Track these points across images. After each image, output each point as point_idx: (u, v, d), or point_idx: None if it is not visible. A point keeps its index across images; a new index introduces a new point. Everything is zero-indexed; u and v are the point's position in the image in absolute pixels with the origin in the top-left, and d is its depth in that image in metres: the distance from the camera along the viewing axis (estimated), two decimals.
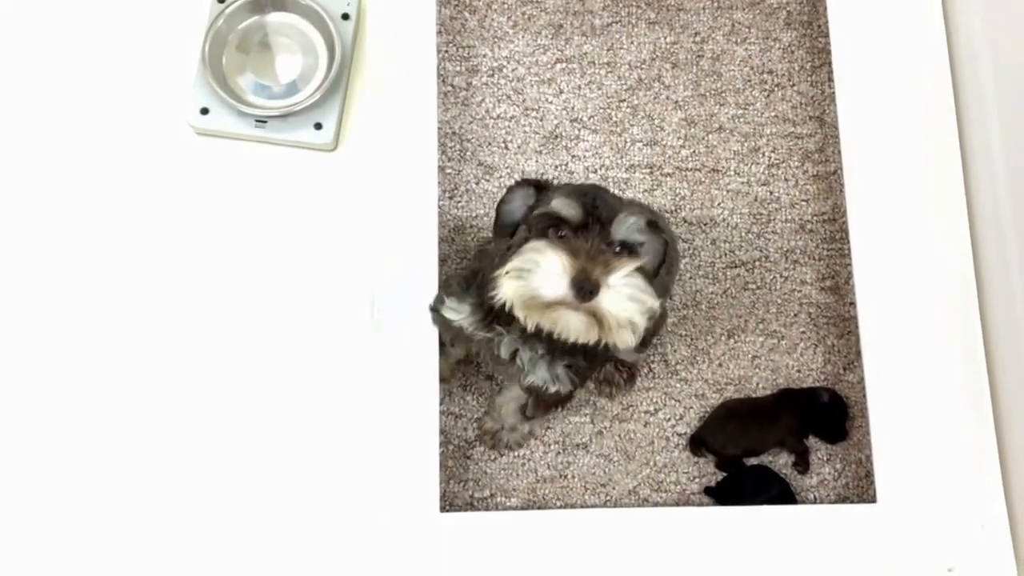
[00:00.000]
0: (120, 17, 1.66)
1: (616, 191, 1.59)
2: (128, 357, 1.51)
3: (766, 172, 1.62)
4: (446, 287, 1.37)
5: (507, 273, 1.10)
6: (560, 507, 1.50)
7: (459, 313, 1.31)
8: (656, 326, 1.46)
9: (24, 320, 1.52)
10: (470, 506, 1.49)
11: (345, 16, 1.63)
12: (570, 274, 1.06)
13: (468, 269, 1.36)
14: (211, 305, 1.53)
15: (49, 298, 1.54)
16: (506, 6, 1.69)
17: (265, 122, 1.59)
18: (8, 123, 1.61)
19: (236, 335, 1.52)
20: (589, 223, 1.11)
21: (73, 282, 1.54)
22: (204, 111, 1.59)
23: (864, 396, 1.45)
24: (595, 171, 1.61)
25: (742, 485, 1.49)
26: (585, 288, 1.06)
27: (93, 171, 1.59)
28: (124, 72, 1.64)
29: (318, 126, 1.59)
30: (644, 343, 1.46)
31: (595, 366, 1.39)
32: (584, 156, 1.62)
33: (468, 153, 1.63)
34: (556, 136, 1.63)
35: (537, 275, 1.08)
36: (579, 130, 1.64)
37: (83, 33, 1.65)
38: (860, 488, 1.50)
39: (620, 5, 1.69)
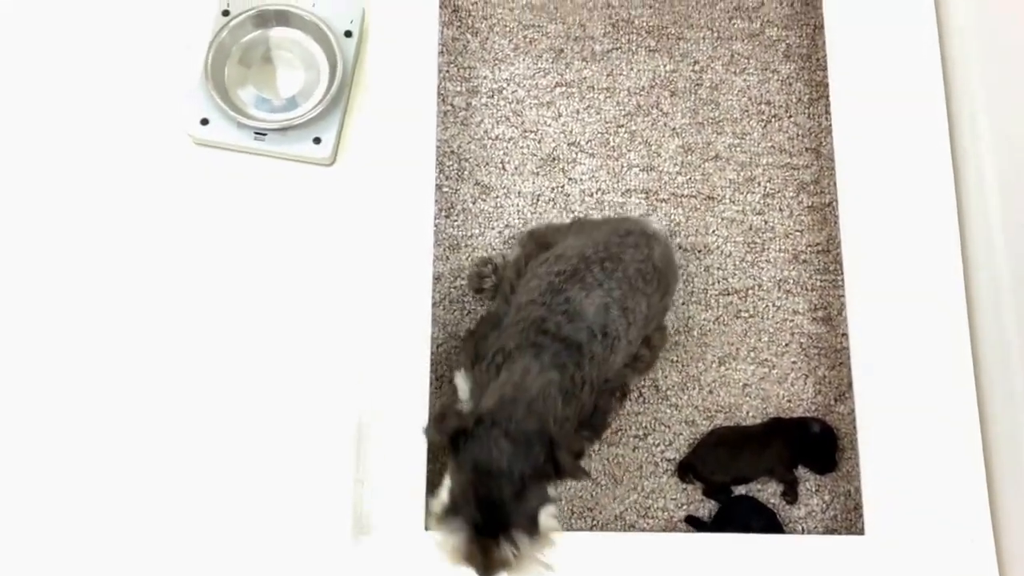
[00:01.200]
0: (125, 27, 1.67)
1: (612, 215, 1.60)
2: (119, 361, 1.51)
3: (761, 201, 1.63)
4: (456, 363, 1.43)
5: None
6: None
7: (463, 392, 1.35)
8: (656, 353, 1.48)
9: (20, 325, 1.52)
10: None
11: (348, 33, 1.65)
12: (474, 565, 1.14)
13: (472, 345, 1.39)
14: (204, 312, 1.54)
15: (42, 302, 1.53)
16: (508, 29, 1.70)
17: (264, 135, 1.60)
18: (9, 130, 1.62)
19: (226, 342, 1.52)
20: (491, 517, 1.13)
21: (64, 285, 1.54)
22: (204, 122, 1.60)
23: (854, 428, 1.45)
24: (591, 194, 1.62)
25: (729, 515, 1.48)
26: (491, 570, 1.13)
27: (92, 177, 1.60)
28: (127, 81, 1.65)
29: (317, 140, 1.59)
30: (647, 367, 1.47)
31: (604, 428, 1.43)
32: (581, 179, 1.63)
33: (466, 172, 1.63)
34: (554, 158, 1.64)
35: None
36: (576, 153, 1.64)
37: (88, 41, 1.66)
38: (848, 520, 1.49)
39: (621, 32, 1.70)
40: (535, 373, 1.23)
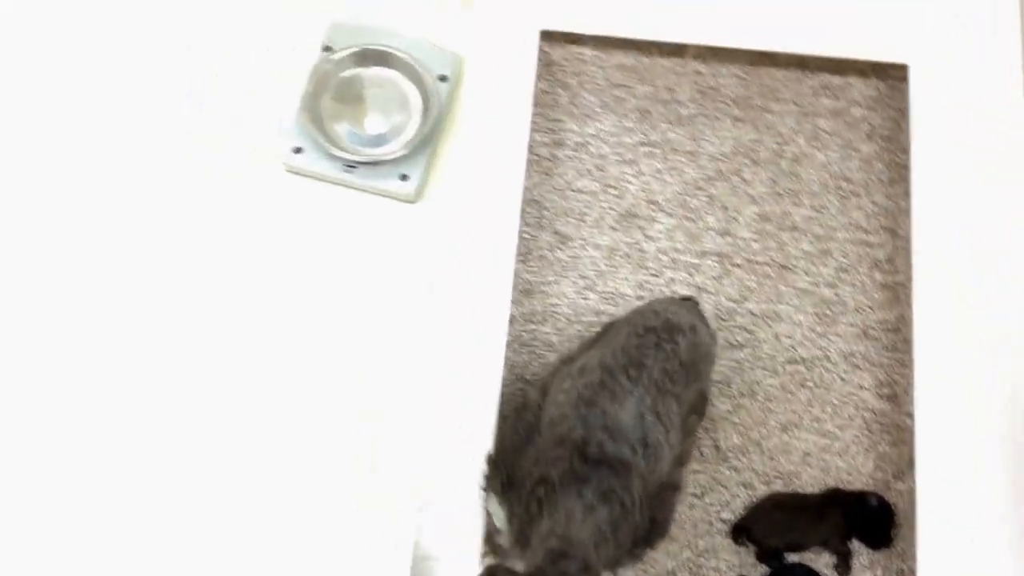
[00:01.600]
0: (227, 55, 1.75)
1: (685, 275, 1.63)
2: (197, 384, 1.55)
3: (834, 275, 1.65)
4: (487, 479, 1.37)
5: None
6: None
7: (498, 519, 1.32)
8: (694, 432, 1.47)
9: (108, 345, 1.57)
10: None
11: (443, 78, 1.70)
12: None
13: (502, 465, 1.36)
14: (281, 335, 1.57)
15: (126, 318, 1.59)
16: (598, 87, 1.75)
17: (354, 167, 1.65)
18: (106, 147, 1.69)
19: (299, 367, 1.55)
20: None
21: (148, 301, 1.60)
22: (298, 150, 1.66)
23: (912, 506, 1.45)
24: (666, 253, 1.65)
25: None
26: None
27: (189, 194, 1.66)
28: (226, 107, 1.71)
29: (404, 177, 1.64)
30: (683, 462, 1.45)
31: (662, 537, 1.36)
32: (657, 237, 1.66)
33: (545, 221, 1.67)
34: (632, 215, 1.67)
35: None
36: (655, 212, 1.68)
37: (190, 68, 1.74)
38: None
39: (707, 99, 1.74)
40: (580, 518, 1.18)
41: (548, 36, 1.72)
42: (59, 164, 1.67)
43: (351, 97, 1.71)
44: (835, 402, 1.58)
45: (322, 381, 1.54)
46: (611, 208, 1.68)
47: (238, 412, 1.53)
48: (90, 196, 1.65)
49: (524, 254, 1.65)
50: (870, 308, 1.63)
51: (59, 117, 1.71)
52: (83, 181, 1.66)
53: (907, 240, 1.62)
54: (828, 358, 1.60)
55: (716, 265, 1.65)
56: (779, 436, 1.56)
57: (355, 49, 1.71)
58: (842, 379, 1.59)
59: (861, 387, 1.59)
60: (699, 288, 1.63)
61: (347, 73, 1.71)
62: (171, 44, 1.75)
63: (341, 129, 1.69)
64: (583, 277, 1.64)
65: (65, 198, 1.65)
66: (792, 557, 1.50)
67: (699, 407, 1.48)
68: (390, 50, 1.71)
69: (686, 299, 1.54)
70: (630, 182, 1.70)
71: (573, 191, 1.69)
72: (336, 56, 1.71)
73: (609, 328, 1.48)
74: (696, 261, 1.65)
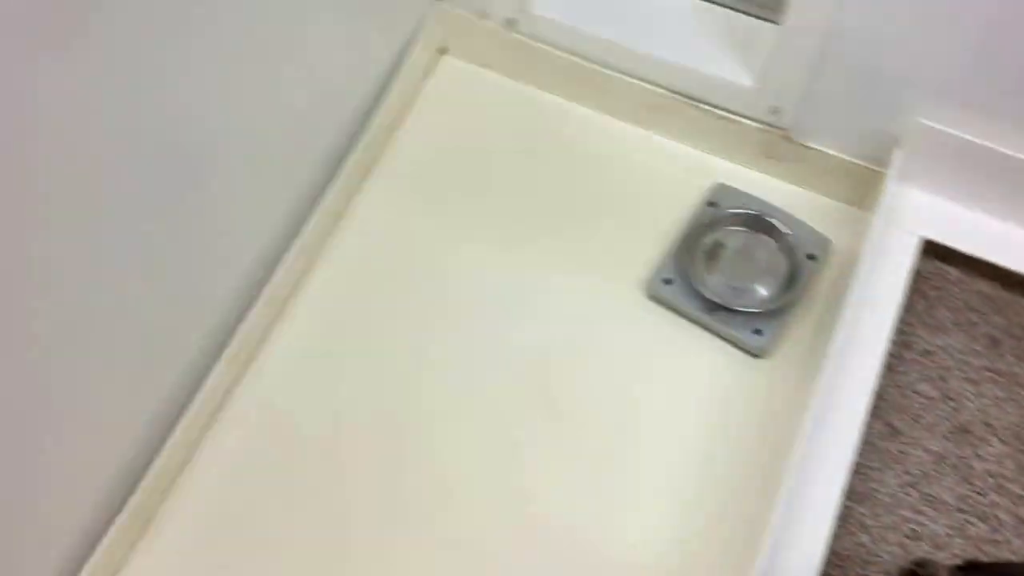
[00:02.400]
0: (624, 184, 1.95)
1: (1009, 503, 1.66)
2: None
3: None
4: None
5: None
6: None
7: None
8: None
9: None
10: None
11: (812, 256, 1.83)
12: None
13: None
14: (591, 435, 1.71)
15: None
16: (954, 305, 1.83)
17: (713, 311, 1.79)
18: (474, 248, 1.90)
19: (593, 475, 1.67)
20: None
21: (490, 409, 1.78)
22: (667, 281, 1.81)
23: None
24: (993, 476, 1.68)
25: None
26: None
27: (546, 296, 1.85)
28: (608, 230, 1.91)
29: (757, 332, 1.76)
30: None
31: None
32: (987, 458, 1.70)
33: (879, 410, 1.74)
34: (966, 430, 1.73)
35: None
36: (989, 435, 1.72)
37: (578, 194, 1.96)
38: None
39: None
40: None
41: (924, 246, 1.83)
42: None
43: (726, 249, 1.86)
44: None
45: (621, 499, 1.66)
46: (946, 418, 1.74)
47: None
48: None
49: None
50: None
51: None
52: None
53: None
54: None
55: None
56: None
57: (739, 210, 1.87)
58: None
59: None
60: (1020, 519, 1.65)
61: (728, 227, 1.87)
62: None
63: (710, 274, 1.83)
64: (907, 473, 1.69)
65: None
66: None
67: None
68: (770, 219, 1.85)
69: None
70: (969, 400, 1.75)
71: (913, 392, 1.76)
72: (721, 212, 1.87)
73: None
74: (1022, 494, 1.68)
